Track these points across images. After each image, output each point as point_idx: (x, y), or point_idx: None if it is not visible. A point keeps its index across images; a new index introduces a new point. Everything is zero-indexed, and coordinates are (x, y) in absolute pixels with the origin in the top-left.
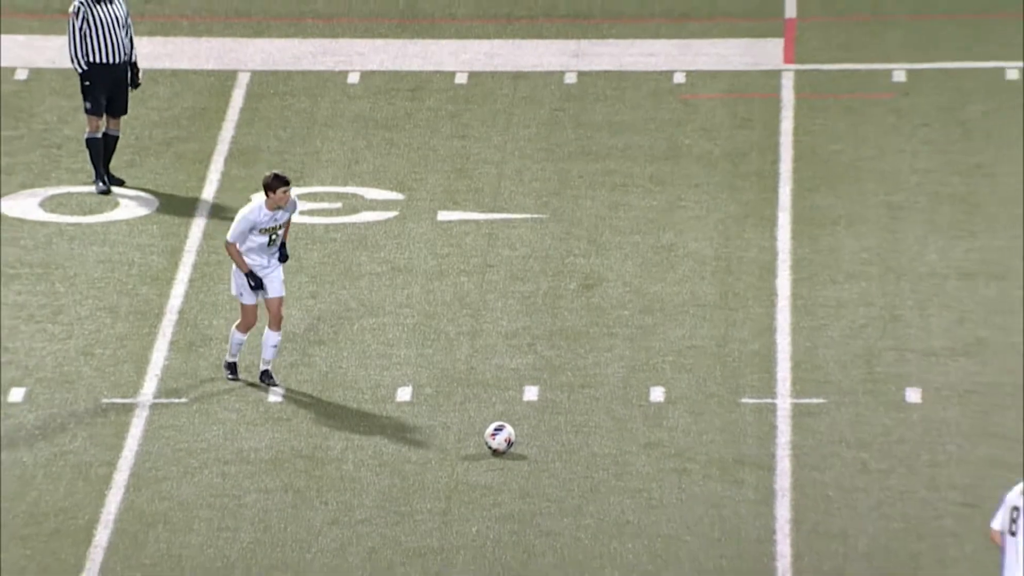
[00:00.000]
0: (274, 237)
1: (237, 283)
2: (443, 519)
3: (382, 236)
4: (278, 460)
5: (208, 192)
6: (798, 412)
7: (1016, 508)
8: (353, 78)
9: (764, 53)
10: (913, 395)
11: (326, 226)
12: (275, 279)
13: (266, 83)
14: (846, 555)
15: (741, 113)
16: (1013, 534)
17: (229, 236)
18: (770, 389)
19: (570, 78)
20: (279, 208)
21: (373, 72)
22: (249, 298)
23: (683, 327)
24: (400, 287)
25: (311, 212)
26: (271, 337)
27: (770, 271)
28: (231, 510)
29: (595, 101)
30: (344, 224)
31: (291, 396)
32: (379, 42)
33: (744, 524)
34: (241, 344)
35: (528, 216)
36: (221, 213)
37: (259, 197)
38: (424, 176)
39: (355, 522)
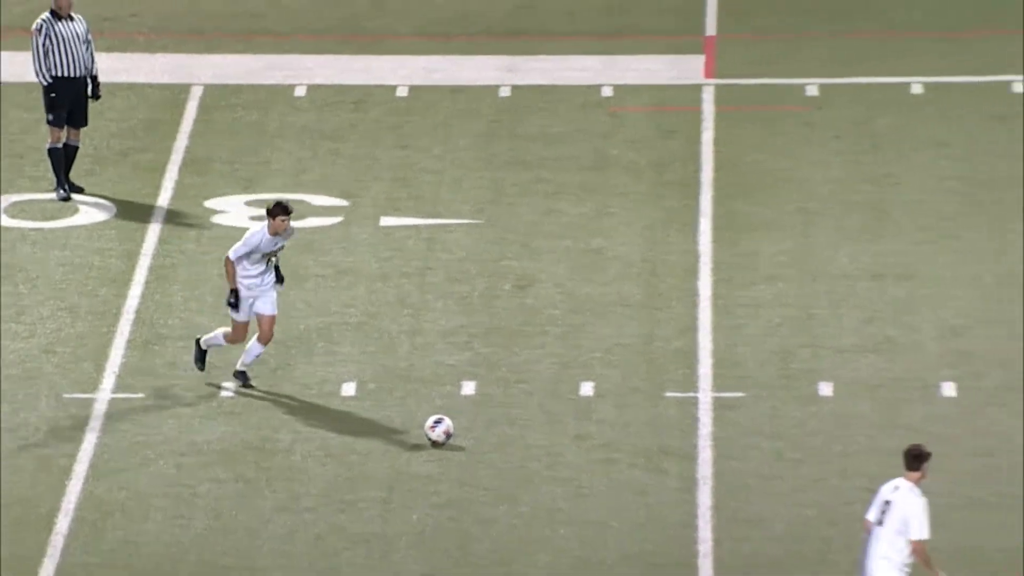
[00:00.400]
0: (271, 260)
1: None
2: (385, 507)
3: (328, 240)
4: (229, 452)
5: (163, 199)
6: (718, 405)
7: (887, 502)
8: (300, 91)
9: (686, 68)
10: (826, 389)
11: None
12: (268, 299)
13: (218, 96)
14: (763, 539)
15: (665, 125)
16: (880, 524)
17: (231, 253)
18: (692, 384)
19: (504, 92)
20: (279, 234)
21: (319, 86)
22: (242, 316)
23: (611, 326)
24: (345, 288)
25: (261, 218)
26: (256, 347)
27: (692, 273)
28: (185, 499)
29: (528, 114)
30: (297, 229)
31: (242, 391)
32: (325, 57)
33: (667, 510)
34: (259, 356)
35: (465, 222)
36: (175, 219)
37: (261, 223)
38: (367, 184)
39: (302, 510)
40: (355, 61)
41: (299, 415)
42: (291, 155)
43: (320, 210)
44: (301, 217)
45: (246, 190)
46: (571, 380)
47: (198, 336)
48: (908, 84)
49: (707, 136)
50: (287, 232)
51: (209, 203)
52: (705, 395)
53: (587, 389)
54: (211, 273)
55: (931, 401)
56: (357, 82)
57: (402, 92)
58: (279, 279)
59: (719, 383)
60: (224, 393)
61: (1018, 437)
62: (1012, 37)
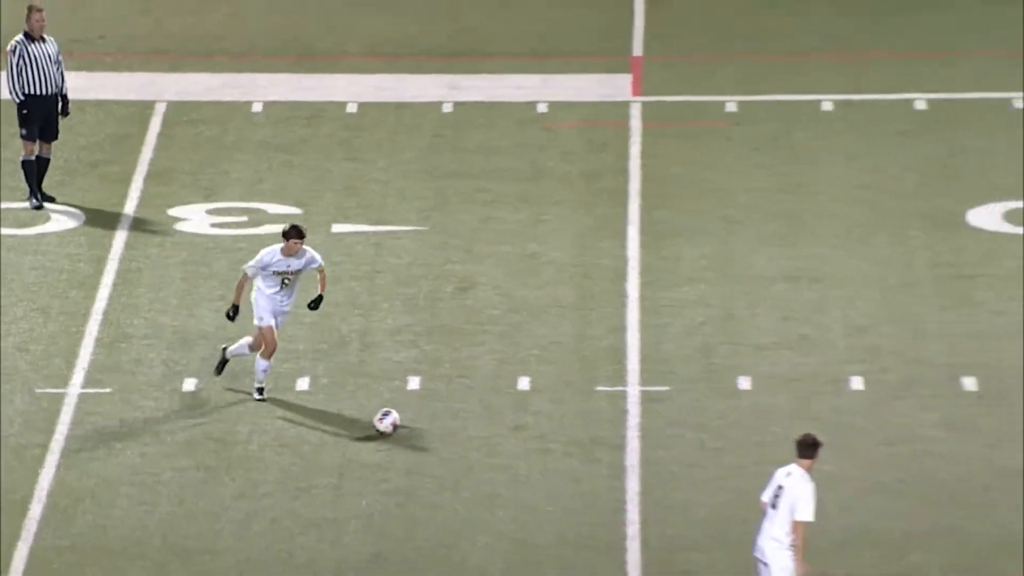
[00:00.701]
0: (286, 281)
1: (259, 307)
2: (336, 493)
3: None
4: (191, 442)
5: (129, 208)
6: (646, 398)
7: (781, 486)
8: (257, 108)
9: (615, 87)
10: (744, 383)
11: (234, 237)
12: (271, 316)
13: (180, 112)
14: (687, 523)
15: (595, 139)
16: (774, 507)
17: (246, 267)
18: (621, 379)
19: (447, 108)
20: (292, 256)
21: (274, 102)
22: (267, 320)
23: (545, 325)
24: (299, 291)
25: (221, 225)
26: (260, 363)
27: (621, 276)
28: (149, 486)
29: (469, 128)
30: (249, 235)
31: (202, 386)
32: (279, 76)
33: (599, 496)
34: (267, 371)
35: (411, 228)
36: (141, 226)
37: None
38: (320, 193)
39: (259, 496)
40: (308, 80)
41: (256, 408)
42: (248, 167)
43: (275, 218)
44: (258, 224)
45: (206, 199)
46: (509, 375)
47: (224, 345)
48: (819, 101)
49: (634, 149)
50: (300, 255)
51: (172, 211)
52: (633, 389)
53: (524, 384)
54: (174, 276)
55: (840, 394)
56: (310, 99)
57: (352, 108)
58: (314, 305)
59: (646, 378)
60: (186, 387)
61: (920, 427)
62: (912, 60)
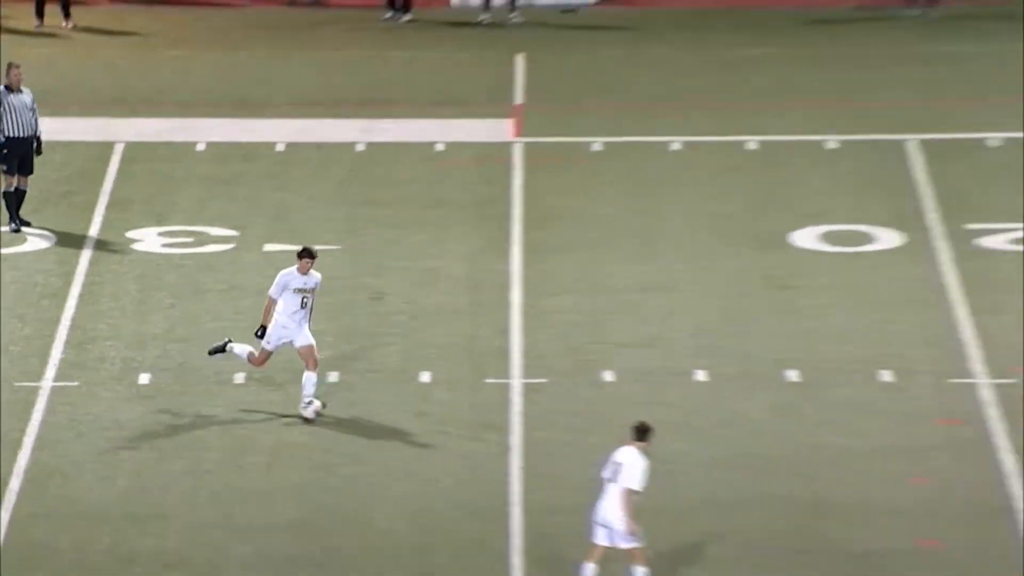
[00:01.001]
0: (305, 300)
1: (269, 334)
2: (269, 469)
3: (222, 263)
4: (146, 428)
5: (93, 231)
6: (527, 389)
7: (619, 463)
8: (201, 147)
9: (499, 130)
10: (608, 376)
11: (181, 255)
12: (303, 334)
13: (136, 151)
14: (561, 491)
15: (483, 173)
16: (613, 480)
17: (271, 292)
18: (506, 372)
19: (360, 147)
20: (306, 275)
21: (215, 143)
22: (270, 346)
23: (443, 328)
24: (236, 300)
25: (170, 245)
26: (310, 377)
27: (506, 287)
28: (111, 464)
29: (379, 164)
30: (194, 253)
31: (155, 380)
32: (220, 121)
33: (487, 470)
34: (315, 383)
35: (330, 247)
36: (103, 247)
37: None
38: (254, 219)
39: (202, 472)
40: (243, 123)
41: (200, 398)
42: (193, 196)
43: (217, 238)
44: (202, 244)
45: (158, 223)
46: (413, 370)
47: (229, 338)
48: (669, 142)
49: (516, 182)
50: (312, 279)
51: (129, 234)
52: (516, 381)
53: (425, 377)
54: (131, 288)
55: (687, 384)
56: (245, 140)
57: (280, 148)
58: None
59: (527, 372)
60: (141, 380)
61: (751, 412)
62: (745, 109)
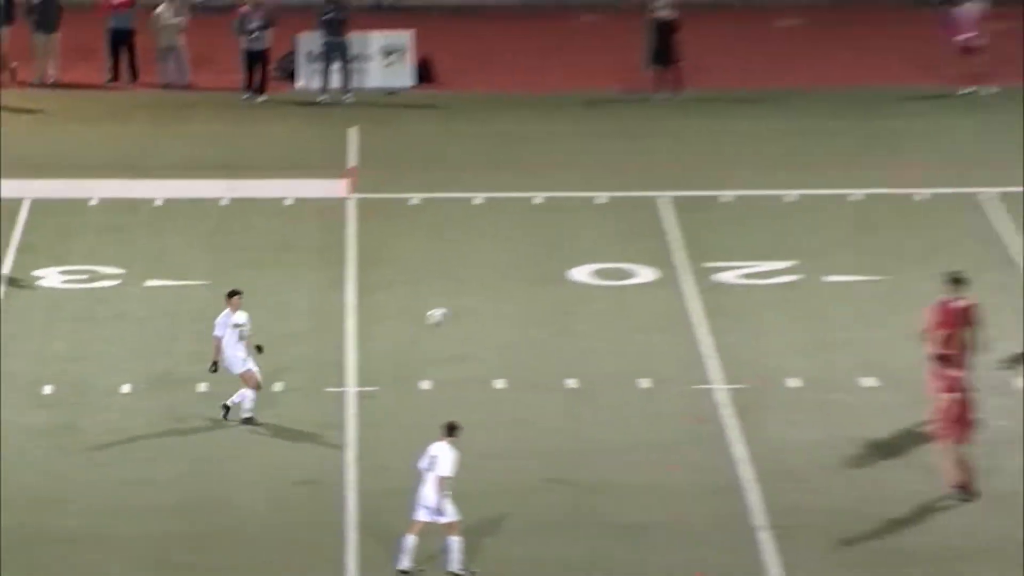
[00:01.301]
0: (242, 333)
1: (236, 360)
2: (153, 462)
3: (111, 296)
4: (49, 430)
5: (5, 269)
6: (362, 396)
7: (434, 456)
8: (94, 202)
9: (336, 188)
10: (426, 385)
11: (77, 290)
12: (246, 362)
13: (40, 207)
14: (392, 476)
15: (325, 224)
16: (430, 470)
17: (214, 332)
18: (343, 383)
19: (225, 202)
20: (239, 311)
21: (106, 199)
22: (245, 369)
23: (293, 348)
24: (124, 325)
25: (70, 281)
26: (246, 394)
27: (343, 316)
28: (27, 463)
29: (240, 217)
30: (88, 288)
31: (56, 391)
32: (110, 181)
33: (326, 463)
34: (249, 399)
35: (201, 283)
36: (13, 283)
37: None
38: (138, 259)
39: (96, 465)
40: (129, 183)
41: (94, 405)
42: (87, 243)
43: (107, 275)
44: (95, 280)
45: (58, 264)
46: (269, 381)
47: (225, 404)
48: (472, 197)
49: (351, 230)
50: (241, 314)
51: (34, 272)
52: (351, 390)
53: (279, 386)
54: (35, 318)
55: (489, 391)
56: (130, 197)
57: (159, 203)
58: (258, 348)
59: (361, 382)
60: (45, 391)
61: (541, 413)
62: (532, 171)
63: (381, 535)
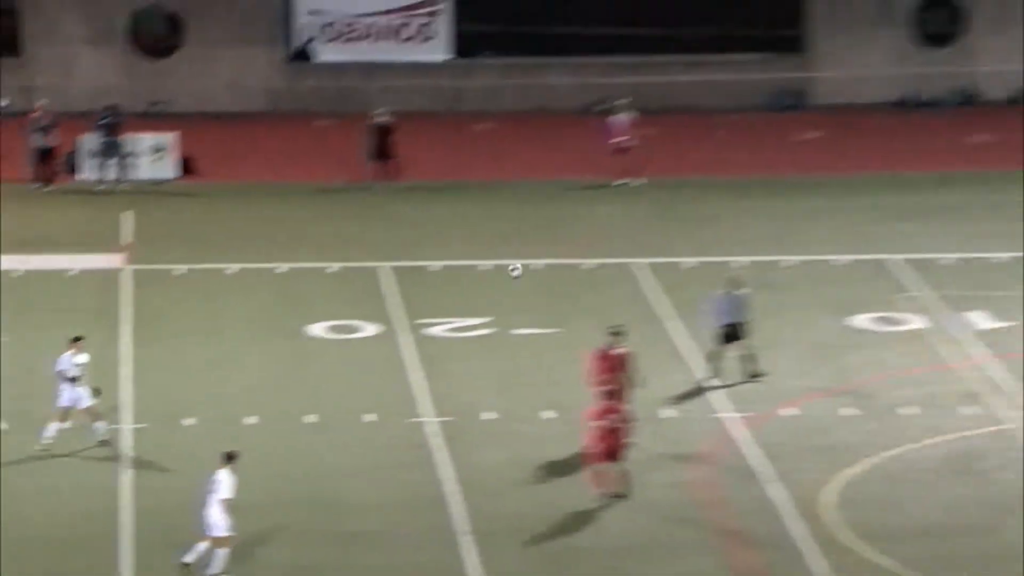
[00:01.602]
0: (77, 376)
1: (69, 397)
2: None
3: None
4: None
5: None
6: (136, 432)
7: (217, 480)
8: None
9: (114, 260)
10: (190, 421)
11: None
12: (84, 398)
13: None
14: (170, 493)
15: (105, 290)
16: (213, 493)
17: (59, 370)
18: (121, 421)
19: (18, 273)
20: (80, 353)
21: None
22: (66, 404)
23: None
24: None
25: None
26: (98, 426)
27: (119, 364)
28: None
29: (32, 284)
30: None
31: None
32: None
33: (112, 484)
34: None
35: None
36: None
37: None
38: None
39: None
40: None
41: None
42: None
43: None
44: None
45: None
46: (60, 419)
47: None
48: (227, 267)
49: (126, 295)
50: (81, 355)
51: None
52: (127, 426)
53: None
54: None
55: (242, 426)
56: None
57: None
58: (95, 392)
59: (136, 419)
60: None
61: (290, 442)
62: (275, 244)
63: (168, 545)
